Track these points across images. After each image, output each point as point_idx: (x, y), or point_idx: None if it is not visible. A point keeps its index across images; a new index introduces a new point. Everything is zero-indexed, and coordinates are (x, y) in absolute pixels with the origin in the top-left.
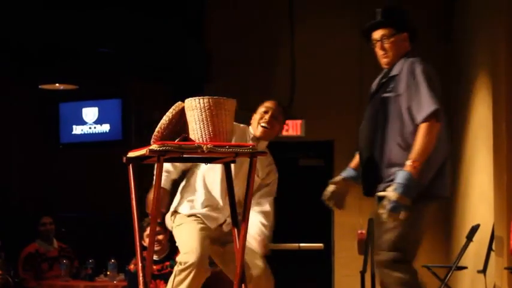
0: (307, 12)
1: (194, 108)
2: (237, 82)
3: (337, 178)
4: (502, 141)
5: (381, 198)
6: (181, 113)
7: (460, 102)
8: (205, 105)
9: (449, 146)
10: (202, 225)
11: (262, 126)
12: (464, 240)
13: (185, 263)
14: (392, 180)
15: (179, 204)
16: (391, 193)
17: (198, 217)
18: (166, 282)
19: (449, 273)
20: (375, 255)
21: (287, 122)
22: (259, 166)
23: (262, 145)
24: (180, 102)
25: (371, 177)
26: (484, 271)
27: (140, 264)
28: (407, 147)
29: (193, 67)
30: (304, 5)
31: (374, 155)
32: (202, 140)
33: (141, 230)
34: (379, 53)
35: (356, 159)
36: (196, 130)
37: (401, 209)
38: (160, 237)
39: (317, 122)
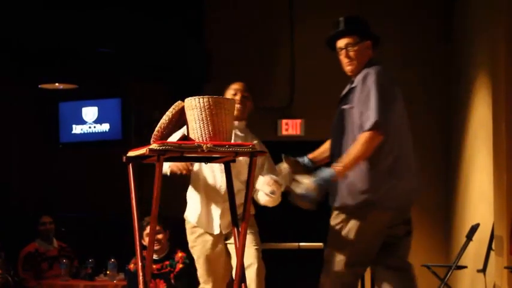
0: (307, 12)
1: (194, 108)
2: (237, 81)
3: (291, 159)
4: (501, 141)
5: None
6: (181, 112)
7: (460, 102)
8: (205, 104)
9: (411, 161)
10: (209, 243)
11: (237, 107)
12: (464, 240)
13: None
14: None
15: (187, 209)
16: (305, 180)
17: (202, 231)
18: (166, 281)
19: (449, 273)
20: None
21: (287, 121)
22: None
23: (242, 124)
24: (179, 102)
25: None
26: (483, 270)
27: (140, 264)
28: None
29: (193, 67)
30: (304, 5)
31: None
32: (202, 140)
33: (141, 229)
34: (344, 61)
35: (318, 152)
36: (196, 129)
37: (308, 199)
38: (159, 236)
39: (317, 122)
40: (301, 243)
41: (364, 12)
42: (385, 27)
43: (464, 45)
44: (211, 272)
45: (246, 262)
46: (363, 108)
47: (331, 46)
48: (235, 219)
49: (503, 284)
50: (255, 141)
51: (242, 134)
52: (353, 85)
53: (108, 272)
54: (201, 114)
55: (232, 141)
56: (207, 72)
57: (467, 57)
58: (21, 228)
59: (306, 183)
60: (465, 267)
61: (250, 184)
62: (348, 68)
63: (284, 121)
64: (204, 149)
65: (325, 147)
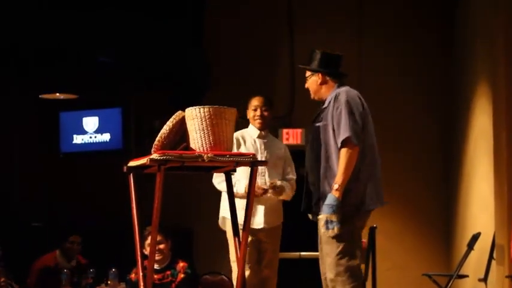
0: (307, 19)
1: (194, 118)
2: (237, 91)
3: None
4: (502, 150)
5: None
6: (182, 122)
7: (461, 111)
8: (206, 114)
9: (373, 167)
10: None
11: (258, 121)
12: (465, 249)
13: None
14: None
15: (223, 208)
16: (321, 216)
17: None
18: None
19: (451, 282)
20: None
21: (287, 131)
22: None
23: (266, 132)
24: (180, 112)
25: (312, 197)
26: (485, 279)
27: (141, 273)
28: (335, 169)
29: (193, 75)
30: (303, 12)
31: (315, 177)
32: (203, 149)
33: (142, 239)
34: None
35: None
36: (197, 139)
37: (333, 225)
38: (161, 246)
39: None
40: (302, 253)
41: (364, 20)
42: (384, 35)
43: (465, 53)
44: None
45: None
46: (336, 125)
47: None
48: (236, 229)
49: None
50: (283, 144)
51: (265, 140)
52: (324, 105)
53: (109, 282)
54: (202, 124)
55: (261, 148)
56: (208, 80)
57: (467, 66)
58: (22, 237)
59: (322, 217)
60: (466, 276)
61: (251, 193)
62: (312, 95)
63: (285, 130)
64: (205, 158)
65: None
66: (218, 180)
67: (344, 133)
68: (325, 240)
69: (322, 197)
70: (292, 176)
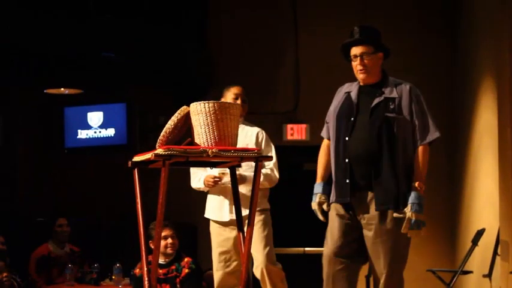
0: (311, 17)
1: (199, 113)
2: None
3: (322, 198)
4: (507, 146)
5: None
6: (187, 117)
7: (465, 107)
8: (211, 109)
9: None
10: (221, 233)
11: None
12: (469, 245)
13: None
14: (399, 200)
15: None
16: (409, 213)
17: (214, 222)
18: (171, 286)
19: (455, 278)
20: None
21: (292, 126)
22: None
23: (241, 121)
24: (185, 107)
25: (389, 191)
26: (489, 275)
27: (145, 268)
28: (409, 165)
29: (197, 72)
30: (308, 11)
31: (381, 171)
32: (208, 145)
33: (147, 234)
34: (358, 68)
35: (323, 169)
36: (202, 134)
37: (421, 225)
38: (174, 240)
39: (322, 127)
40: (306, 248)
41: (368, 19)
42: (389, 33)
43: (469, 49)
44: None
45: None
46: (419, 122)
47: (344, 53)
48: (241, 224)
49: None
50: (258, 132)
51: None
52: (390, 95)
53: (113, 277)
54: (207, 119)
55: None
56: (212, 77)
57: (472, 63)
58: (27, 232)
59: (411, 216)
60: (471, 272)
61: (255, 189)
62: (360, 75)
63: (289, 126)
64: (210, 154)
65: (324, 164)
66: (195, 182)
67: (435, 132)
68: (394, 239)
69: (400, 194)
70: (269, 165)
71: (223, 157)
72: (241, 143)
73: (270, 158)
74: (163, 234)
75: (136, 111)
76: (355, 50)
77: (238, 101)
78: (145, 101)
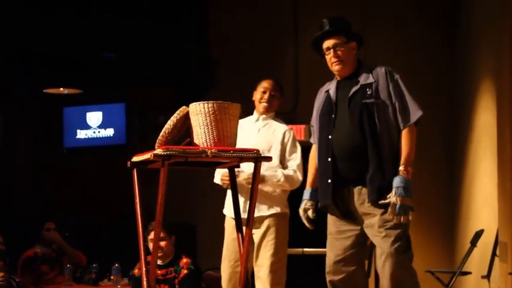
0: (311, 18)
1: (198, 113)
2: (241, 87)
3: (308, 204)
4: (506, 146)
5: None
6: (186, 117)
7: (464, 107)
8: (210, 109)
9: None
10: (233, 231)
11: (263, 105)
12: (468, 246)
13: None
14: (387, 187)
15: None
16: (394, 198)
17: (229, 218)
18: (170, 287)
19: (453, 279)
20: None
21: (291, 127)
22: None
23: (269, 116)
24: (184, 107)
25: (378, 185)
26: (488, 276)
27: (144, 269)
28: (396, 150)
29: (197, 72)
30: (308, 12)
31: (368, 161)
32: (207, 145)
33: (146, 234)
34: (332, 60)
35: (312, 175)
36: (201, 135)
37: (408, 210)
38: (162, 243)
39: None
40: (305, 249)
41: (368, 19)
42: (388, 33)
43: (469, 50)
44: (229, 251)
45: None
46: (399, 103)
47: (316, 48)
48: (240, 225)
49: None
50: (286, 130)
51: (264, 124)
52: (366, 81)
53: (112, 277)
54: (206, 119)
55: (254, 132)
56: (212, 77)
57: (471, 63)
58: (27, 232)
59: (395, 200)
60: (469, 273)
61: (254, 190)
62: (335, 67)
63: (288, 126)
64: (209, 154)
65: (313, 169)
66: (216, 178)
67: (417, 111)
68: (391, 226)
69: (386, 181)
70: (292, 166)
71: (223, 157)
72: (265, 140)
73: (269, 159)
74: (152, 236)
75: (136, 111)
76: (327, 43)
77: (266, 96)
78: (144, 101)
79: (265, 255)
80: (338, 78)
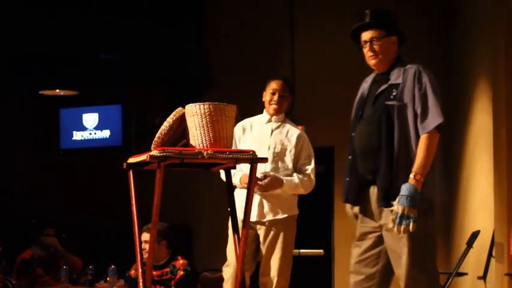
0: (307, 19)
1: (195, 114)
2: (237, 88)
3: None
4: (502, 147)
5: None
6: (182, 119)
7: (460, 108)
8: (206, 111)
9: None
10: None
11: (273, 107)
12: (464, 247)
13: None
14: (394, 193)
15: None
16: (396, 206)
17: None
18: (166, 287)
19: (450, 280)
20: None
21: None
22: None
23: (280, 118)
24: (180, 108)
25: (386, 190)
26: (484, 277)
27: (140, 270)
28: (413, 157)
29: (193, 73)
30: (304, 12)
31: (377, 163)
32: (203, 146)
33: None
34: (368, 54)
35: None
36: (197, 136)
37: (409, 221)
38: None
39: (317, 128)
40: (301, 250)
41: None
42: None
43: (465, 52)
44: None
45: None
46: (421, 108)
47: (355, 39)
48: (236, 226)
49: None
50: (300, 133)
51: (277, 127)
52: (395, 81)
53: (108, 279)
54: (202, 120)
55: (267, 135)
56: (208, 78)
57: (467, 64)
58: (23, 234)
59: (396, 209)
60: (465, 274)
61: (251, 190)
62: (371, 62)
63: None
64: (205, 155)
65: None
66: (234, 178)
67: (437, 118)
68: (396, 237)
69: (394, 187)
70: (306, 170)
71: (219, 159)
72: (279, 142)
73: (265, 160)
74: (142, 239)
75: (132, 113)
76: (365, 36)
77: (276, 97)
78: (140, 102)
79: (276, 256)
80: (376, 72)
